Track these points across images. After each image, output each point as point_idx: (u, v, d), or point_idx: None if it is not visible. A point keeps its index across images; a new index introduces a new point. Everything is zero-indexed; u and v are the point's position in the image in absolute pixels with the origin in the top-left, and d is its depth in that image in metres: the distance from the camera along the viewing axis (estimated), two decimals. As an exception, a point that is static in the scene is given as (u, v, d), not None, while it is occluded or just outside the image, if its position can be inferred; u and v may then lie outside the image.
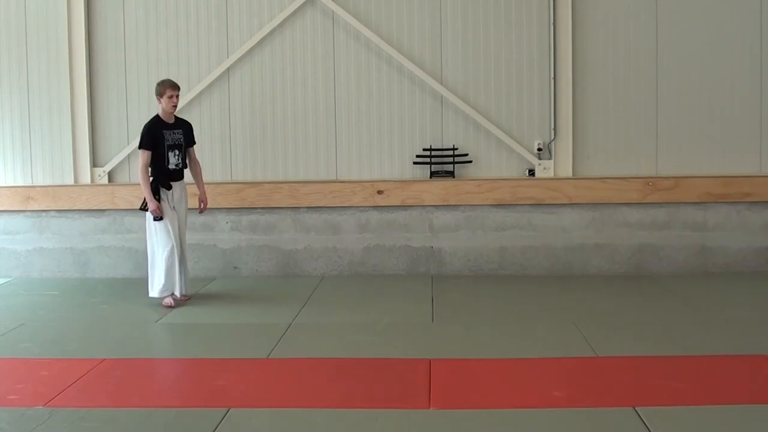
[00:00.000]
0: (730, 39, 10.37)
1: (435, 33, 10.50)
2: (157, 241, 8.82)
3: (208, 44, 10.63)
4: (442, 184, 10.39)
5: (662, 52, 10.39)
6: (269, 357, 6.94)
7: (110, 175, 10.72)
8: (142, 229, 10.47)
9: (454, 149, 10.49)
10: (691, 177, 10.32)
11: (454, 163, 10.47)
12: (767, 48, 10.32)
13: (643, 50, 10.40)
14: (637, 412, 5.39)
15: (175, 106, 8.93)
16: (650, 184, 10.29)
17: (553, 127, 10.43)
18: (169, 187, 8.85)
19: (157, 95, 8.88)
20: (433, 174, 10.50)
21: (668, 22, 10.36)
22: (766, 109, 10.36)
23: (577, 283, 9.91)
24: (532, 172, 10.49)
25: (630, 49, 10.42)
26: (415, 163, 10.54)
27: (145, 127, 8.90)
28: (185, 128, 9.12)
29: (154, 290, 8.88)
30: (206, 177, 10.52)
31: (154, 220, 8.71)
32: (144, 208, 8.81)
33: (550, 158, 10.47)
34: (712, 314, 8.24)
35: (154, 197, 8.69)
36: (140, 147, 8.77)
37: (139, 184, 9.08)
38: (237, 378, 6.38)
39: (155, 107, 8.96)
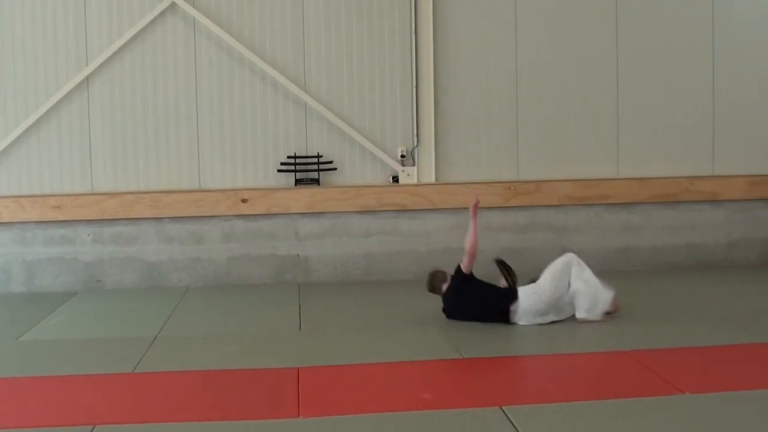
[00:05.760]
0: (586, 48, 10.76)
1: (298, 41, 10.50)
2: None
3: (66, 52, 10.31)
4: (307, 192, 10.39)
5: (521, 60, 10.67)
6: (135, 371, 6.79)
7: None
8: (3, 244, 10.10)
9: (318, 157, 10.51)
10: (552, 181, 10.62)
11: (318, 170, 10.49)
12: (622, 56, 10.76)
13: (503, 59, 10.67)
14: (504, 411, 5.49)
15: None
16: (512, 188, 10.53)
17: (415, 133, 10.57)
18: None
19: None
20: (297, 182, 10.49)
21: (527, 30, 10.66)
22: (623, 115, 10.77)
23: (442, 287, 10.04)
24: (396, 179, 10.60)
25: (491, 57, 10.67)
26: (279, 170, 10.50)
27: None
28: None
29: None
30: (65, 188, 10.27)
31: None
32: None
33: (413, 165, 10.61)
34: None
35: None
36: None
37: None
38: (102, 394, 6.22)
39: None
